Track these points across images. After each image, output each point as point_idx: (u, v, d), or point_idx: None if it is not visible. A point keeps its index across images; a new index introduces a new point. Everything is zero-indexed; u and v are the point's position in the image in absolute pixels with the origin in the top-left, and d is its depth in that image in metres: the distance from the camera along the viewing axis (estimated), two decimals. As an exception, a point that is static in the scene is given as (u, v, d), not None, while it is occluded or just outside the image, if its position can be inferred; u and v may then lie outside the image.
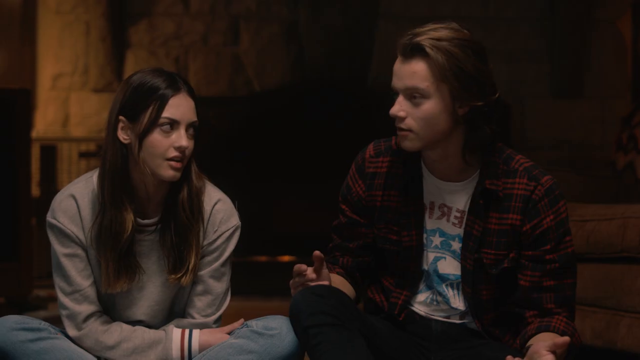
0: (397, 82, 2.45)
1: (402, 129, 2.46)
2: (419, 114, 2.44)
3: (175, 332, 2.53)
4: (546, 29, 6.36)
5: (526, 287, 2.52)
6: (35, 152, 5.98)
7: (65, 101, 6.40)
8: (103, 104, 6.35)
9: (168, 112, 2.46)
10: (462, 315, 2.58)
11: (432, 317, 2.58)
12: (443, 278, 2.57)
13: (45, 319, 2.57)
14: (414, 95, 2.43)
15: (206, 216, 2.55)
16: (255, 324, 2.52)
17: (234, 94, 6.42)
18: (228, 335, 2.53)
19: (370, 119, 6.16)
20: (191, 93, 2.51)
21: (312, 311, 2.39)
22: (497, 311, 2.56)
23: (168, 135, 2.46)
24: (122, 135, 2.49)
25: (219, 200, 2.57)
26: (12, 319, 2.48)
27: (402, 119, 2.44)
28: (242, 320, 2.56)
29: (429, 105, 2.43)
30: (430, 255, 2.57)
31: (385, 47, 6.29)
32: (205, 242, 2.56)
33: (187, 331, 2.54)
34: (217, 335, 2.54)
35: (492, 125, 2.47)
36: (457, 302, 2.57)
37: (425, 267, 2.57)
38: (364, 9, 6.36)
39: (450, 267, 2.56)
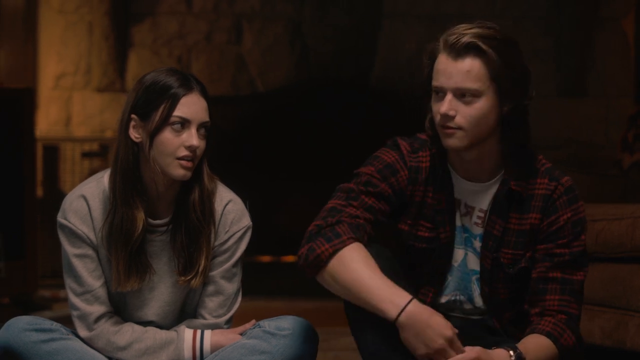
0: (447, 81, 2.41)
1: (450, 127, 2.43)
2: (470, 112, 2.42)
3: (187, 333, 2.53)
4: (551, 27, 6.35)
5: (534, 278, 2.52)
6: (38, 152, 5.95)
7: (68, 101, 6.38)
8: (106, 103, 6.33)
9: (179, 111, 2.46)
10: (482, 312, 2.58)
11: (452, 314, 2.58)
12: (469, 273, 2.57)
13: (52, 319, 2.56)
14: (466, 94, 2.42)
15: (217, 217, 2.55)
16: (268, 324, 2.51)
17: (237, 93, 6.40)
18: (240, 336, 2.53)
19: (376, 117, 6.16)
20: (204, 93, 2.50)
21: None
22: (515, 310, 2.57)
23: (179, 135, 2.46)
24: (134, 134, 2.48)
25: (230, 201, 2.57)
26: (24, 320, 2.47)
27: (452, 117, 2.42)
28: (253, 320, 2.56)
29: (481, 104, 2.42)
30: (458, 252, 2.57)
31: (391, 45, 6.28)
32: (217, 243, 2.55)
33: (198, 332, 2.53)
34: (228, 336, 2.53)
35: (528, 125, 2.48)
36: (480, 300, 2.57)
37: (455, 263, 2.58)
38: (368, 7, 6.35)
39: (472, 263, 2.57)
